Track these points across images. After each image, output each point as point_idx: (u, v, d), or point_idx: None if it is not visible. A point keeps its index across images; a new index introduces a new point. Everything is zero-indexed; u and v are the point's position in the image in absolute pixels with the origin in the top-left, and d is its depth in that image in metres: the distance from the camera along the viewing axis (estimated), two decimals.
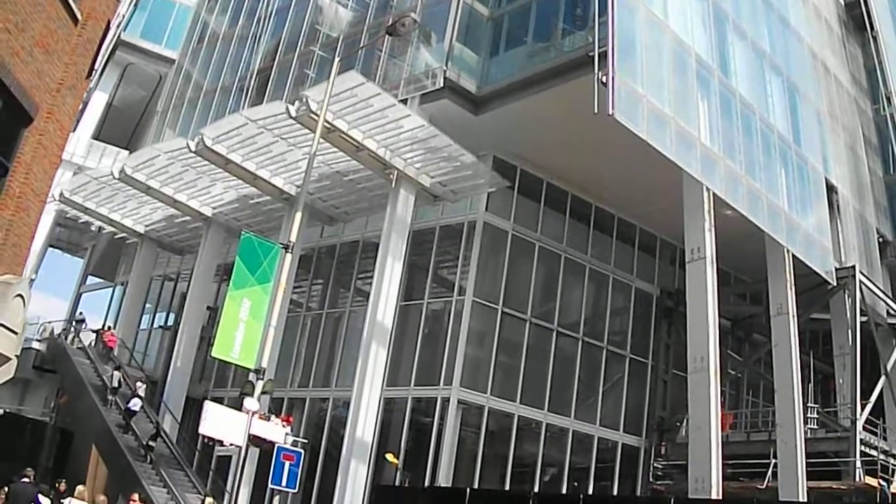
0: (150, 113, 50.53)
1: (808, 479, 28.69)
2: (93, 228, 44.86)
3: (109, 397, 34.25)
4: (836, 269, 33.29)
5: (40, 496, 19.44)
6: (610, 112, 23.62)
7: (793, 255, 31.34)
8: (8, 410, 39.70)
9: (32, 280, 40.85)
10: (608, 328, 36.01)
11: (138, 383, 34.20)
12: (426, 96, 30.51)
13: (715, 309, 27.69)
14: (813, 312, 33.89)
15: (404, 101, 29.64)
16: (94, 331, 41.95)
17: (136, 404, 32.76)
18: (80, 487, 21.80)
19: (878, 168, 41.37)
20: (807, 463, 28.97)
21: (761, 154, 31.08)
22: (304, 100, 27.41)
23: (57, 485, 24.01)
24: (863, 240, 37.13)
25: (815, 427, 31.97)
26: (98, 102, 49.87)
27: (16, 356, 12.74)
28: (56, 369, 39.84)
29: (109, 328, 42.00)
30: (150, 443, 31.03)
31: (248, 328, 20.26)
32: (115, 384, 34.70)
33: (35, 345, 41.15)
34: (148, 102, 51.93)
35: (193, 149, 31.95)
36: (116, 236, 43.43)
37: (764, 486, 29.46)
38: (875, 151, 41.75)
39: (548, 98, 28.55)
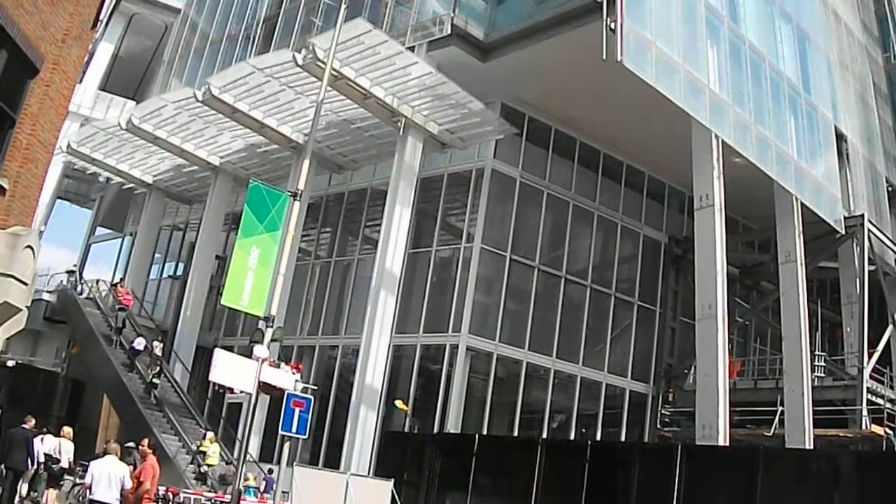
0: (157, 63, 50.17)
1: (814, 427, 28.84)
2: (101, 179, 45.05)
3: (114, 337, 34.89)
4: (845, 218, 33.06)
5: (35, 441, 19.68)
6: (619, 59, 23.39)
7: (801, 203, 31.15)
8: (20, 361, 39.96)
9: (42, 232, 40.85)
10: (616, 275, 36.09)
11: (154, 342, 34.28)
12: (434, 43, 30.22)
13: (723, 256, 27.72)
14: (821, 261, 33.82)
15: (412, 49, 29.41)
16: (109, 284, 41.95)
17: (139, 343, 33.30)
18: (66, 428, 22.15)
19: (888, 117, 40.94)
20: (813, 411, 29.09)
21: (770, 101, 30.79)
22: (311, 48, 27.25)
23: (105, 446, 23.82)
24: (872, 188, 36.94)
25: (822, 375, 32.00)
26: (104, 53, 49.43)
27: (26, 307, 12.83)
28: (67, 320, 40.09)
29: (123, 284, 41.62)
30: (154, 380, 31.54)
31: (257, 276, 20.26)
32: (120, 324, 35.36)
33: (45, 296, 41.31)
34: (154, 52, 51.53)
35: (200, 98, 31.88)
36: (124, 187, 43.38)
37: (771, 434, 29.61)
38: (885, 100, 41.29)
39: (556, 45, 28.29)
